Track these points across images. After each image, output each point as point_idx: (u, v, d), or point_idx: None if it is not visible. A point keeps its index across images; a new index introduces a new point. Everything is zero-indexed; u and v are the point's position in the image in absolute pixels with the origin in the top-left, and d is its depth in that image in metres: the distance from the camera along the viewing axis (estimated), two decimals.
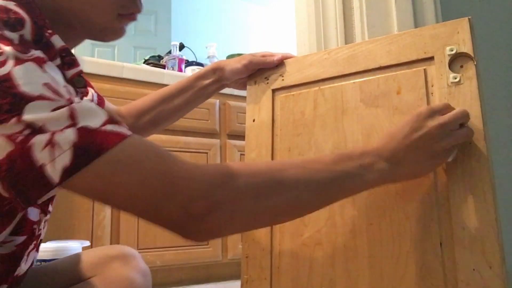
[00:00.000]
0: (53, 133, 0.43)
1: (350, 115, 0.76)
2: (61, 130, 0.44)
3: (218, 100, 2.15)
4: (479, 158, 0.63)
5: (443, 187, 0.65)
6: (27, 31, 0.49)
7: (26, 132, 0.43)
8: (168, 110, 0.90)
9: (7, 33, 0.47)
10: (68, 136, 0.44)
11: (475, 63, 0.67)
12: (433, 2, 1.16)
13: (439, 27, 0.71)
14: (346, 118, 0.76)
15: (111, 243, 1.75)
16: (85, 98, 0.79)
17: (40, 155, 0.43)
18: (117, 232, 1.77)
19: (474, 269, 0.60)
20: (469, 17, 0.69)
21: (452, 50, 0.69)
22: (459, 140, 0.62)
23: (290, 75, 0.85)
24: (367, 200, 0.71)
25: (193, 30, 2.97)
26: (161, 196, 0.47)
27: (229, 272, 2.02)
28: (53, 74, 0.48)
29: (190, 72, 2.36)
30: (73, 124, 0.44)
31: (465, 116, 0.62)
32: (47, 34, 0.53)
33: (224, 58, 2.23)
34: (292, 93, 0.84)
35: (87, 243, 1.35)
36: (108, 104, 0.87)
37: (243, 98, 2.10)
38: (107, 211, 1.75)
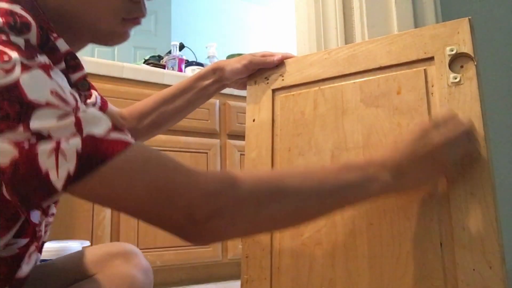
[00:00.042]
0: (59, 141, 0.44)
1: (350, 115, 0.76)
2: (67, 138, 0.44)
3: (218, 100, 2.15)
4: (479, 158, 0.63)
5: (443, 187, 0.65)
6: (33, 35, 0.49)
7: (33, 139, 0.43)
8: (169, 111, 0.90)
9: (13, 38, 0.47)
10: (73, 144, 0.44)
11: (475, 63, 0.67)
12: (433, 2, 1.16)
13: (439, 27, 0.71)
14: (346, 118, 0.76)
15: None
16: (89, 101, 0.79)
17: (45, 163, 0.44)
18: (117, 232, 1.77)
19: (474, 269, 0.60)
20: (469, 17, 0.69)
21: (452, 50, 0.69)
22: (463, 153, 0.62)
23: (290, 75, 0.85)
24: None
25: (193, 30, 2.97)
26: (164, 203, 0.48)
27: (229, 272, 2.02)
28: (60, 81, 0.48)
29: (190, 72, 2.36)
30: (78, 133, 0.45)
31: (471, 129, 0.62)
32: (52, 38, 0.53)
33: (224, 58, 2.23)
34: (292, 93, 0.84)
35: (87, 243, 1.35)
36: (111, 106, 0.87)
37: (243, 98, 2.11)
38: (107, 211, 1.75)
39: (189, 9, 3.04)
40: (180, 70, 2.37)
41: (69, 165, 0.44)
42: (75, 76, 0.57)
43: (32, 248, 0.59)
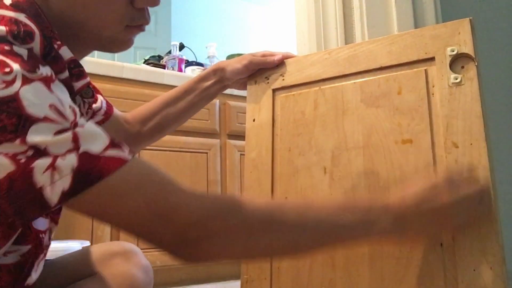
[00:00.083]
0: (55, 157, 0.44)
1: (351, 115, 0.76)
2: (63, 154, 0.44)
3: (218, 100, 2.15)
4: (479, 158, 0.63)
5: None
6: (36, 44, 0.49)
7: (29, 153, 0.43)
8: (172, 114, 0.90)
9: (16, 48, 0.46)
10: (69, 161, 0.44)
11: (476, 63, 0.67)
12: (433, 2, 1.16)
13: (440, 27, 0.71)
14: (347, 118, 0.76)
15: None
16: (94, 106, 0.79)
17: (41, 178, 0.43)
18: (117, 232, 1.77)
19: (474, 270, 0.60)
20: (470, 17, 0.69)
21: (453, 51, 0.69)
22: (472, 216, 0.61)
23: (291, 75, 0.85)
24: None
25: (193, 30, 2.97)
26: (156, 222, 0.48)
27: (229, 272, 2.02)
28: (60, 94, 0.48)
29: (190, 72, 2.36)
30: (75, 149, 0.45)
31: (484, 194, 0.60)
32: (55, 46, 0.53)
33: (224, 58, 2.23)
34: (292, 93, 0.84)
35: (87, 243, 1.35)
36: (116, 111, 0.87)
37: (243, 98, 2.11)
38: None
39: (189, 9, 3.04)
40: (180, 70, 2.37)
41: (64, 181, 0.44)
42: (79, 84, 0.57)
43: (41, 256, 0.59)
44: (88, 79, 0.59)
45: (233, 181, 2.12)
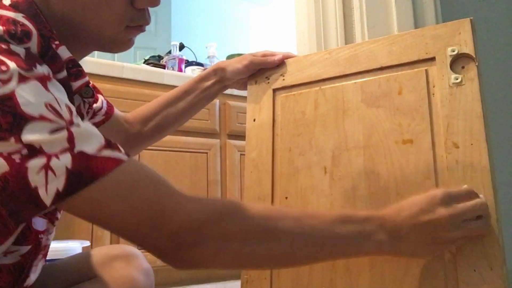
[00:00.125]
0: (50, 157, 0.44)
1: (351, 115, 0.76)
2: (58, 154, 0.44)
3: (218, 100, 2.15)
4: (480, 158, 0.63)
5: (444, 188, 0.65)
6: (34, 43, 0.49)
7: (24, 152, 0.43)
8: (173, 114, 0.90)
9: (14, 47, 0.46)
10: (64, 161, 0.44)
11: (477, 64, 0.67)
12: (433, 2, 1.16)
13: (441, 27, 0.71)
14: (347, 118, 0.76)
15: (111, 243, 1.74)
16: (95, 105, 0.79)
17: (35, 178, 0.43)
18: None
19: (475, 270, 0.60)
20: (471, 18, 0.69)
21: (453, 51, 0.69)
22: (468, 233, 0.60)
23: (291, 75, 0.85)
24: (368, 200, 0.71)
25: (193, 30, 2.97)
26: (149, 226, 0.48)
27: (229, 272, 2.02)
28: (56, 93, 0.48)
29: (190, 72, 2.36)
30: (70, 149, 0.45)
31: (482, 209, 0.59)
32: (54, 46, 0.53)
33: (224, 58, 2.23)
34: (293, 93, 0.84)
35: (87, 243, 1.35)
36: (116, 111, 0.87)
37: (243, 98, 2.11)
38: None
39: (189, 9, 3.04)
40: (180, 70, 2.37)
41: (58, 182, 0.44)
42: (77, 83, 0.57)
43: (40, 256, 0.59)
44: (87, 78, 0.59)
45: (233, 181, 2.12)
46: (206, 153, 2.07)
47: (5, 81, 0.44)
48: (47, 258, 0.74)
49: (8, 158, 0.43)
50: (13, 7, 0.51)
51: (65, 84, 0.53)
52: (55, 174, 0.44)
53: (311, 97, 0.81)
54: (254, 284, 0.78)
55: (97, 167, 0.45)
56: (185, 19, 2.99)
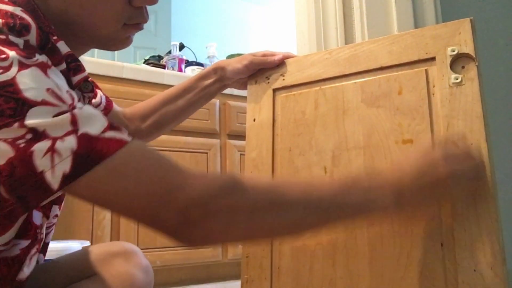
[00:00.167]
0: (54, 140, 0.44)
1: (351, 115, 0.76)
2: (62, 136, 0.44)
3: (218, 100, 2.15)
4: (480, 158, 0.63)
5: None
6: (33, 36, 0.49)
7: (28, 136, 0.43)
8: (171, 111, 0.90)
9: (12, 38, 0.47)
10: (69, 143, 0.44)
11: (477, 64, 0.67)
12: (433, 2, 1.16)
13: (441, 27, 0.71)
14: (347, 118, 0.76)
15: None
16: (94, 101, 0.79)
17: (41, 162, 0.43)
18: (117, 232, 1.77)
19: (475, 270, 0.60)
20: (471, 18, 0.69)
21: (453, 51, 0.69)
22: (469, 188, 0.61)
23: (291, 75, 0.85)
24: None
25: (193, 30, 2.97)
26: (157, 203, 0.47)
27: (229, 272, 2.02)
28: (57, 80, 0.48)
29: (190, 72, 2.36)
30: (74, 131, 0.45)
31: (481, 168, 0.61)
32: (52, 40, 0.53)
33: (224, 58, 2.23)
34: (293, 92, 0.84)
35: (87, 243, 1.35)
36: (115, 106, 0.87)
37: (243, 98, 2.11)
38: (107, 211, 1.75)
39: (189, 9, 3.04)
40: (180, 70, 2.37)
41: (64, 164, 0.44)
42: (76, 78, 0.57)
43: (33, 250, 0.59)
44: (86, 73, 0.59)
45: None
46: (206, 153, 2.07)
47: (6, 68, 0.44)
48: (47, 258, 0.75)
49: (12, 143, 0.43)
50: (11, 1, 0.51)
51: (65, 77, 0.53)
52: (60, 157, 0.44)
53: (311, 97, 0.81)
54: (254, 284, 0.78)
55: (102, 148, 0.45)
56: (185, 19, 2.99)
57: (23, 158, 0.43)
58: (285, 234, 0.59)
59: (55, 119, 0.44)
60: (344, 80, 0.79)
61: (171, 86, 0.96)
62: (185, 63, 2.43)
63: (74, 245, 1.20)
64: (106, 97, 0.85)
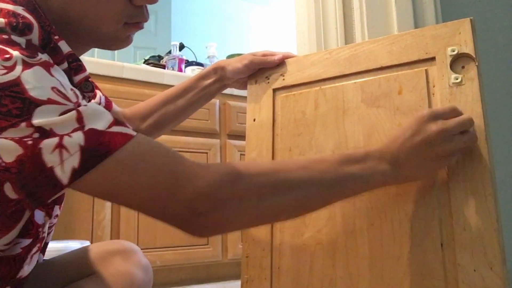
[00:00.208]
0: (62, 137, 0.45)
1: (351, 115, 0.76)
2: (69, 133, 0.45)
3: (218, 100, 2.15)
4: (480, 158, 0.63)
5: (444, 188, 0.65)
6: (35, 35, 0.50)
7: (36, 135, 0.44)
8: (171, 111, 0.90)
9: (15, 38, 0.47)
10: (76, 139, 0.45)
11: (477, 64, 0.67)
12: (433, 2, 1.16)
13: (441, 27, 0.71)
14: (347, 118, 0.76)
15: None
16: (93, 101, 0.80)
17: (50, 158, 0.44)
18: (117, 232, 1.77)
19: (475, 270, 0.60)
20: (471, 18, 0.69)
21: (453, 51, 0.68)
22: (461, 145, 0.62)
23: (291, 75, 0.85)
24: (368, 200, 0.71)
25: (193, 30, 2.97)
26: (166, 195, 0.48)
27: (229, 272, 2.02)
28: (60, 78, 0.49)
29: (190, 72, 2.36)
30: (80, 127, 0.46)
31: (469, 122, 0.62)
32: (54, 40, 0.53)
33: (224, 58, 2.23)
34: (293, 92, 0.84)
35: (87, 243, 1.35)
36: (115, 106, 0.88)
37: (243, 98, 2.11)
38: (107, 211, 1.75)
39: (189, 9, 3.04)
40: (180, 70, 2.37)
41: (73, 159, 0.45)
42: (78, 77, 0.58)
43: (35, 249, 0.59)
44: (87, 72, 0.60)
45: None
46: (206, 153, 2.07)
47: (10, 68, 0.45)
48: (47, 258, 0.74)
49: (20, 141, 0.44)
50: (12, 0, 0.51)
51: (67, 76, 0.54)
52: (69, 152, 0.45)
53: (311, 97, 0.81)
54: (254, 284, 0.78)
55: (109, 142, 0.46)
56: (185, 19, 2.99)
57: (32, 154, 0.44)
58: (292, 213, 0.60)
59: (61, 117, 0.45)
60: (344, 80, 0.79)
61: (171, 86, 0.96)
62: (185, 63, 2.43)
63: (74, 245, 1.20)
64: (106, 98, 0.85)
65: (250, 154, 0.85)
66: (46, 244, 0.70)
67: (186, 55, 2.51)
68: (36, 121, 0.44)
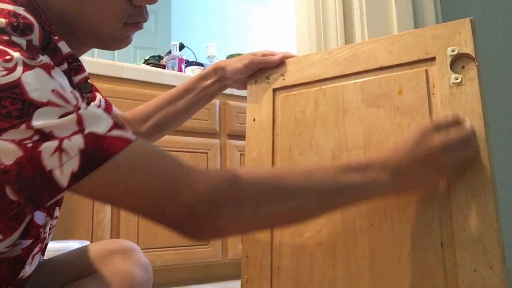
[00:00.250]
0: (61, 140, 0.45)
1: (351, 115, 0.76)
2: (69, 136, 0.45)
3: (218, 100, 2.15)
4: (480, 158, 0.63)
5: (444, 188, 0.65)
6: (36, 36, 0.50)
7: (35, 138, 0.44)
8: (172, 113, 0.90)
9: (16, 39, 0.47)
10: (76, 142, 0.45)
11: (477, 64, 0.67)
12: (433, 2, 1.16)
13: (441, 27, 0.71)
14: (347, 118, 0.76)
15: None
16: (92, 103, 0.80)
17: (49, 161, 0.44)
18: (117, 232, 1.77)
19: (475, 270, 0.60)
20: (471, 18, 0.69)
21: (453, 51, 0.68)
22: (462, 157, 0.62)
23: (291, 75, 0.85)
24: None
25: (193, 30, 2.97)
26: (165, 199, 0.48)
27: (229, 272, 2.02)
28: (61, 80, 0.49)
29: (190, 72, 2.36)
30: (80, 130, 0.46)
31: (472, 134, 0.62)
32: (54, 40, 0.53)
33: (224, 58, 2.23)
34: (293, 92, 0.84)
35: (87, 243, 1.35)
36: (115, 109, 0.88)
37: (243, 98, 2.11)
38: (107, 211, 1.75)
39: (189, 9, 3.04)
40: (180, 70, 2.37)
41: (72, 162, 0.45)
42: (77, 78, 0.58)
43: (36, 249, 0.59)
44: (86, 73, 0.60)
45: None
46: (206, 153, 2.07)
47: (11, 70, 0.45)
48: (47, 258, 0.74)
49: (20, 143, 0.44)
50: (12, 0, 0.52)
51: (67, 77, 0.54)
52: (68, 156, 0.45)
53: (311, 97, 0.81)
54: (254, 284, 0.78)
55: (109, 146, 0.46)
56: (185, 19, 2.99)
57: (31, 157, 0.44)
58: (290, 221, 0.60)
59: (61, 120, 0.45)
60: (344, 80, 0.79)
61: (171, 86, 0.96)
62: (185, 63, 2.43)
63: (74, 245, 1.20)
64: (106, 100, 0.85)
65: (250, 154, 0.85)
66: (46, 245, 0.70)
67: (186, 55, 2.51)
68: (36, 123, 0.44)
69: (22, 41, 0.48)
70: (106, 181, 0.46)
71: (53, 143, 0.44)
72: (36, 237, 0.58)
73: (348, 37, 1.18)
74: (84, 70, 0.59)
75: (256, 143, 0.85)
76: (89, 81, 0.63)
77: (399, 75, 0.73)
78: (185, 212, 0.48)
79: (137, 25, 0.62)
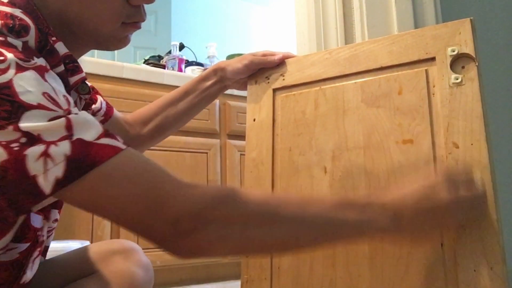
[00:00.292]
0: (48, 144, 0.44)
1: (351, 115, 0.76)
2: (56, 141, 0.44)
3: (218, 100, 2.15)
4: (480, 158, 0.63)
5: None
6: (31, 37, 0.50)
7: (23, 140, 0.43)
8: (173, 115, 0.90)
9: (11, 40, 0.47)
10: (63, 148, 0.44)
11: (477, 64, 0.67)
12: (433, 2, 1.16)
13: (441, 27, 0.71)
14: (347, 118, 0.76)
15: None
16: (94, 106, 0.79)
17: (34, 166, 0.43)
18: (117, 232, 1.77)
19: (475, 270, 0.60)
20: (471, 18, 0.69)
21: (453, 51, 0.68)
22: (468, 217, 0.61)
23: (291, 75, 0.85)
24: None
25: (193, 30, 2.97)
26: (149, 212, 0.47)
27: (229, 272, 2.02)
28: (54, 84, 0.48)
29: (190, 72, 2.36)
30: (68, 136, 0.45)
31: (482, 196, 0.60)
32: (51, 41, 0.53)
33: (224, 58, 2.23)
34: (293, 92, 0.84)
35: (87, 243, 1.35)
36: (116, 112, 0.87)
37: (243, 98, 2.11)
38: None
39: (189, 9, 3.04)
40: (180, 70, 2.37)
41: (57, 169, 0.44)
42: (73, 79, 0.58)
43: (36, 253, 0.59)
44: (83, 74, 0.59)
45: (233, 181, 2.12)
46: (206, 153, 2.07)
47: (3, 70, 0.44)
48: (47, 258, 0.74)
49: (6, 146, 0.43)
50: (11, 3, 0.52)
51: (63, 78, 0.54)
52: (54, 162, 0.43)
53: (311, 97, 0.81)
54: (254, 284, 0.78)
55: (96, 154, 0.45)
56: (185, 19, 2.99)
57: (15, 161, 0.43)
58: (278, 249, 0.58)
59: (50, 123, 0.44)
60: (344, 80, 0.79)
61: (171, 86, 0.96)
62: (185, 63, 2.43)
63: (74, 245, 1.20)
64: (107, 103, 0.85)
65: (250, 154, 0.85)
66: (46, 248, 0.70)
67: (186, 55, 2.51)
68: (23, 125, 0.43)
69: (18, 43, 0.47)
70: (91, 190, 0.45)
71: (39, 148, 0.43)
72: (34, 240, 0.58)
73: (348, 37, 1.18)
74: (81, 71, 0.58)
75: (256, 143, 0.85)
76: (88, 83, 0.63)
77: (399, 75, 0.73)
78: (169, 226, 0.47)
79: (135, 25, 0.62)
